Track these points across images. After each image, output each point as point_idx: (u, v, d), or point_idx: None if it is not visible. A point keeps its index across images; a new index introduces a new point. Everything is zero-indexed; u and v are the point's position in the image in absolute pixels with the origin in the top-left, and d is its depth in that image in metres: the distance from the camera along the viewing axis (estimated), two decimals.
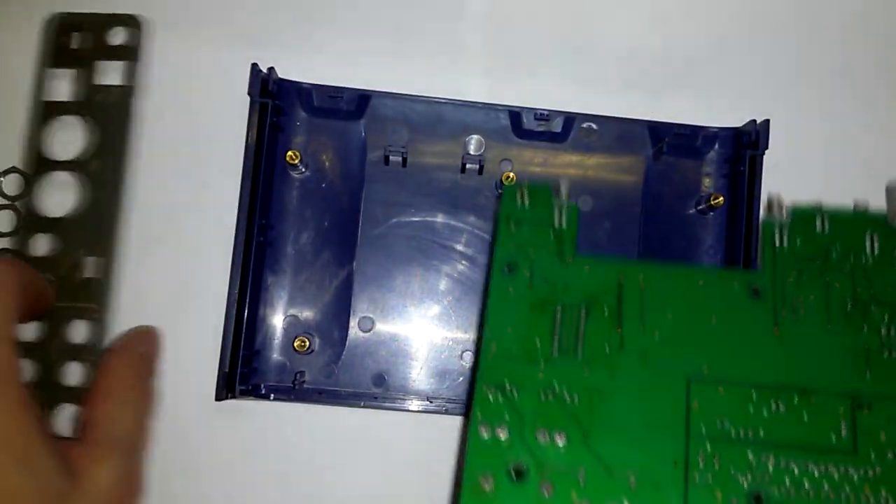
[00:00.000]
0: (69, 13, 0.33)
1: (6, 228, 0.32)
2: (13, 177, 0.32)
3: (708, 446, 0.25)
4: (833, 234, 0.28)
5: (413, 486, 0.33)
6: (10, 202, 0.32)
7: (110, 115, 0.33)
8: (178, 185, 0.33)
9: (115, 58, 0.33)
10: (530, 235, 0.28)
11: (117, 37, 0.33)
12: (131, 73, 0.33)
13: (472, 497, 0.24)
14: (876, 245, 0.27)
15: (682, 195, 0.34)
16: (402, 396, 0.32)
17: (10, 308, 0.24)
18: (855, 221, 0.28)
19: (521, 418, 0.25)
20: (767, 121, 0.32)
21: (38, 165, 0.32)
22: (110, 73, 0.33)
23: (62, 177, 0.32)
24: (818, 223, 0.28)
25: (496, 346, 0.26)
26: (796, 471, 0.25)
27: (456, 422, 0.32)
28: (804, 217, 0.28)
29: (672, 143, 0.33)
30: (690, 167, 0.34)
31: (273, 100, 0.31)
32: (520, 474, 0.24)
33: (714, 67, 0.34)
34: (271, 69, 0.31)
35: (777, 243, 0.28)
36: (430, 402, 0.31)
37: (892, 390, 0.26)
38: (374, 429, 0.32)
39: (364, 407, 0.32)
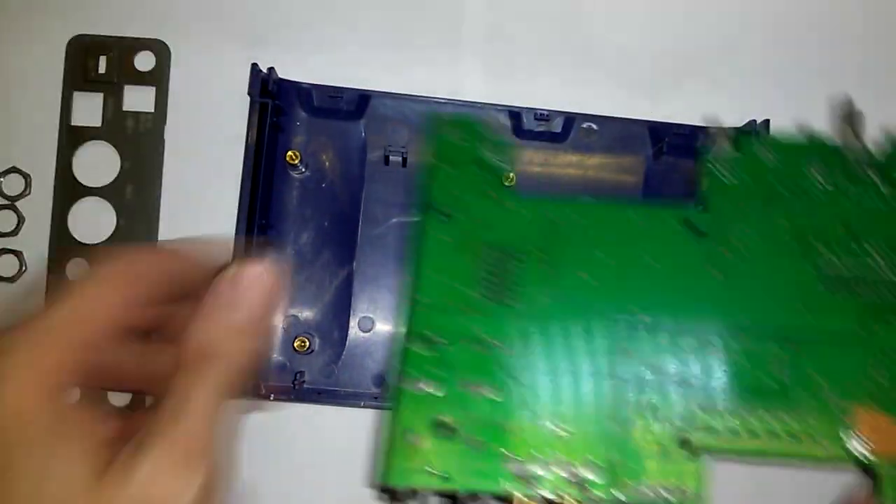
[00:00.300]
0: (92, 36, 0.32)
1: (6, 228, 0.32)
2: (13, 177, 0.32)
3: (642, 392, 0.24)
4: (778, 161, 0.26)
5: None
6: (9, 202, 0.32)
7: (141, 143, 0.32)
8: (177, 185, 0.33)
9: (142, 83, 0.33)
10: (460, 175, 0.26)
11: (144, 62, 0.33)
12: (161, 100, 0.33)
13: (400, 453, 0.23)
14: (820, 172, 0.26)
15: (682, 195, 0.34)
16: None
17: (103, 315, 0.21)
18: (800, 148, 0.27)
19: (451, 372, 0.24)
20: (767, 121, 0.32)
21: (69, 190, 0.32)
22: (138, 98, 0.33)
23: (93, 201, 0.32)
24: (762, 151, 0.27)
25: (425, 297, 0.25)
26: (729, 415, 0.24)
27: None
28: (748, 145, 0.27)
29: (672, 143, 0.33)
30: (690, 167, 0.34)
31: (273, 100, 0.31)
32: (450, 429, 0.24)
33: (714, 67, 0.34)
34: (271, 69, 0.31)
35: (720, 175, 0.26)
36: None
37: (831, 328, 0.25)
38: (374, 429, 0.32)
39: (364, 407, 0.32)
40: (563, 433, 0.24)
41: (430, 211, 0.26)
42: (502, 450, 0.24)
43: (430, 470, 0.23)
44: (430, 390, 0.24)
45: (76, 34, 0.32)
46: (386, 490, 0.24)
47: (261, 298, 0.21)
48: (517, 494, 0.24)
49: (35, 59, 0.32)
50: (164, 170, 0.33)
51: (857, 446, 0.24)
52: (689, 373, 0.25)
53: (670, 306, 0.25)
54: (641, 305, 0.25)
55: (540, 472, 0.24)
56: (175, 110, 0.33)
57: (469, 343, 0.24)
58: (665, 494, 0.24)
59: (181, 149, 0.33)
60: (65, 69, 0.32)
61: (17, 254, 0.32)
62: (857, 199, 0.26)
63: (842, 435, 0.24)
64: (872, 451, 0.24)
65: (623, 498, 0.24)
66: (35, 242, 0.32)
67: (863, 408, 0.24)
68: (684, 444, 0.24)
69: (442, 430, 0.24)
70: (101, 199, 0.32)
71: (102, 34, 0.32)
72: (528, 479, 0.24)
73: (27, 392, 0.20)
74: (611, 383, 0.24)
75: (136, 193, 0.32)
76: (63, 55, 0.32)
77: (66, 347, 0.21)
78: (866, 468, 0.25)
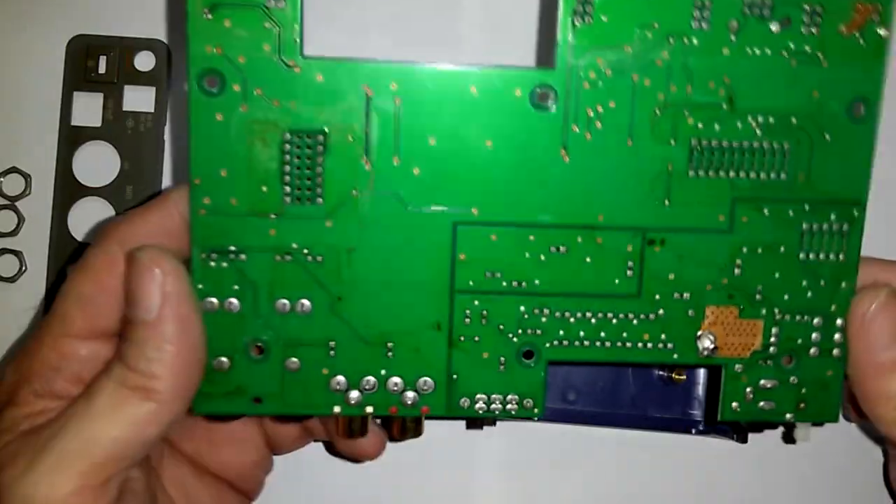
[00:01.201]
0: (92, 36, 0.31)
1: (6, 228, 0.32)
2: (13, 177, 0.32)
3: (475, 302, 0.21)
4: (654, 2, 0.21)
5: (411, 487, 0.33)
6: (10, 202, 0.32)
7: (141, 143, 0.32)
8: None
9: (142, 83, 0.32)
10: (235, 27, 0.20)
11: (144, 62, 0.32)
12: (161, 100, 0.32)
13: (208, 378, 0.20)
14: (706, 14, 0.21)
15: None
16: None
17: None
18: None
19: (253, 287, 0.21)
20: None
21: (69, 190, 0.32)
22: (138, 98, 0.32)
23: (93, 201, 0.32)
24: None
25: (210, 198, 0.20)
26: (572, 321, 0.21)
27: (456, 422, 0.32)
28: None
29: None
30: None
31: None
32: (260, 351, 0.21)
33: None
34: None
35: (578, 22, 0.20)
36: None
37: (689, 220, 0.21)
38: None
39: None
40: (388, 348, 0.21)
41: (201, 81, 0.20)
42: (323, 371, 0.21)
43: (242, 395, 0.21)
44: (229, 309, 0.20)
45: (76, 34, 0.32)
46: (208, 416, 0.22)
47: (148, 288, 0.19)
48: (341, 415, 0.21)
49: (35, 59, 0.32)
50: (164, 170, 0.32)
51: (704, 344, 0.22)
52: (530, 275, 0.21)
53: (508, 197, 0.21)
54: (477, 202, 0.21)
55: (366, 390, 0.21)
56: (175, 110, 0.33)
57: (271, 253, 0.20)
58: (504, 407, 0.22)
59: (181, 149, 0.33)
60: (65, 69, 0.32)
61: (17, 254, 0.32)
62: (740, 47, 0.21)
63: (695, 338, 0.22)
64: (718, 348, 0.22)
65: (459, 412, 0.21)
66: (35, 242, 0.31)
67: (715, 307, 0.22)
68: (524, 353, 0.21)
69: (250, 351, 0.21)
70: (101, 199, 0.32)
71: (102, 34, 0.32)
72: (352, 399, 0.21)
73: None
74: (443, 294, 0.21)
75: (136, 193, 0.31)
76: (63, 55, 0.32)
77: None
78: (713, 366, 0.23)
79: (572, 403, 0.31)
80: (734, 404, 0.22)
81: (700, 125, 0.21)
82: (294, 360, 0.21)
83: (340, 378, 0.21)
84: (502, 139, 0.21)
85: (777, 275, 0.22)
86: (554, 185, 0.21)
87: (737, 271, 0.22)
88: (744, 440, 0.30)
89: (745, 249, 0.22)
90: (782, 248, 0.22)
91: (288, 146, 0.20)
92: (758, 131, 0.21)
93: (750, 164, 0.21)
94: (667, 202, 0.21)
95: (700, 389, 0.31)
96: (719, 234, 0.22)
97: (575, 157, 0.21)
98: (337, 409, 0.21)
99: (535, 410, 0.22)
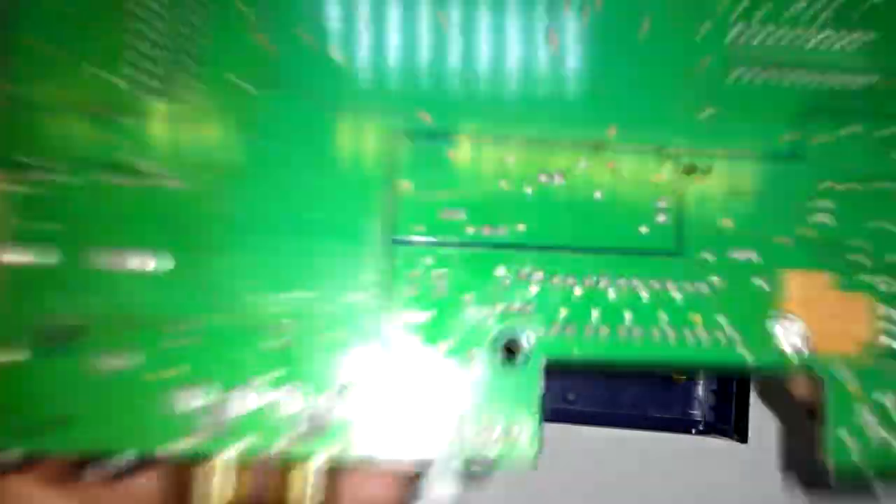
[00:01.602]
0: None
1: None
2: None
3: (426, 260, 0.13)
4: None
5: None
6: None
7: None
8: None
9: None
10: None
11: None
12: None
13: None
14: None
15: None
16: None
17: None
18: None
19: (69, 227, 0.13)
20: None
21: None
22: None
23: None
24: None
25: (13, 83, 0.13)
26: (578, 291, 0.14)
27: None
28: None
29: None
30: None
31: None
32: (68, 336, 0.13)
33: None
34: None
35: None
36: None
37: (738, 143, 0.14)
38: None
39: None
40: (285, 334, 0.13)
41: None
42: (165, 371, 0.13)
43: (15, 417, 0.12)
44: (20, 262, 0.13)
45: None
46: None
47: None
48: (190, 456, 0.12)
49: None
50: None
51: (794, 333, 0.14)
52: (512, 218, 0.14)
53: (475, 100, 0.14)
54: (425, 95, 0.14)
55: (242, 408, 0.12)
56: None
57: (105, 171, 0.13)
58: (479, 450, 0.13)
59: None
60: None
61: None
62: None
63: (769, 324, 0.14)
64: (811, 339, 0.14)
65: (408, 452, 0.13)
66: None
67: (798, 272, 0.14)
68: (506, 346, 0.13)
69: (50, 334, 0.13)
70: None
71: None
72: (218, 427, 0.12)
73: None
74: (370, 241, 0.13)
75: None
76: None
77: None
78: (807, 369, 0.14)
79: (572, 403, 0.31)
80: (850, 442, 0.14)
81: (737, 11, 0.15)
82: (121, 353, 0.12)
83: (196, 389, 0.12)
84: (467, 20, 0.14)
85: (881, 227, 0.15)
86: (545, 88, 0.14)
87: (819, 218, 0.14)
88: (744, 440, 0.30)
89: (824, 186, 0.14)
90: (882, 185, 0.15)
91: (148, 12, 0.13)
92: (816, 19, 0.15)
93: (814, 65, 0.15)
94: (703, 116, 0.14)
95: (700, 389, 0.31)
96: (785, 163, 0.15)
97: (571, 50, 0.14)
98: (185, 445, 0.12)
99: (530, 459, 0.13)
